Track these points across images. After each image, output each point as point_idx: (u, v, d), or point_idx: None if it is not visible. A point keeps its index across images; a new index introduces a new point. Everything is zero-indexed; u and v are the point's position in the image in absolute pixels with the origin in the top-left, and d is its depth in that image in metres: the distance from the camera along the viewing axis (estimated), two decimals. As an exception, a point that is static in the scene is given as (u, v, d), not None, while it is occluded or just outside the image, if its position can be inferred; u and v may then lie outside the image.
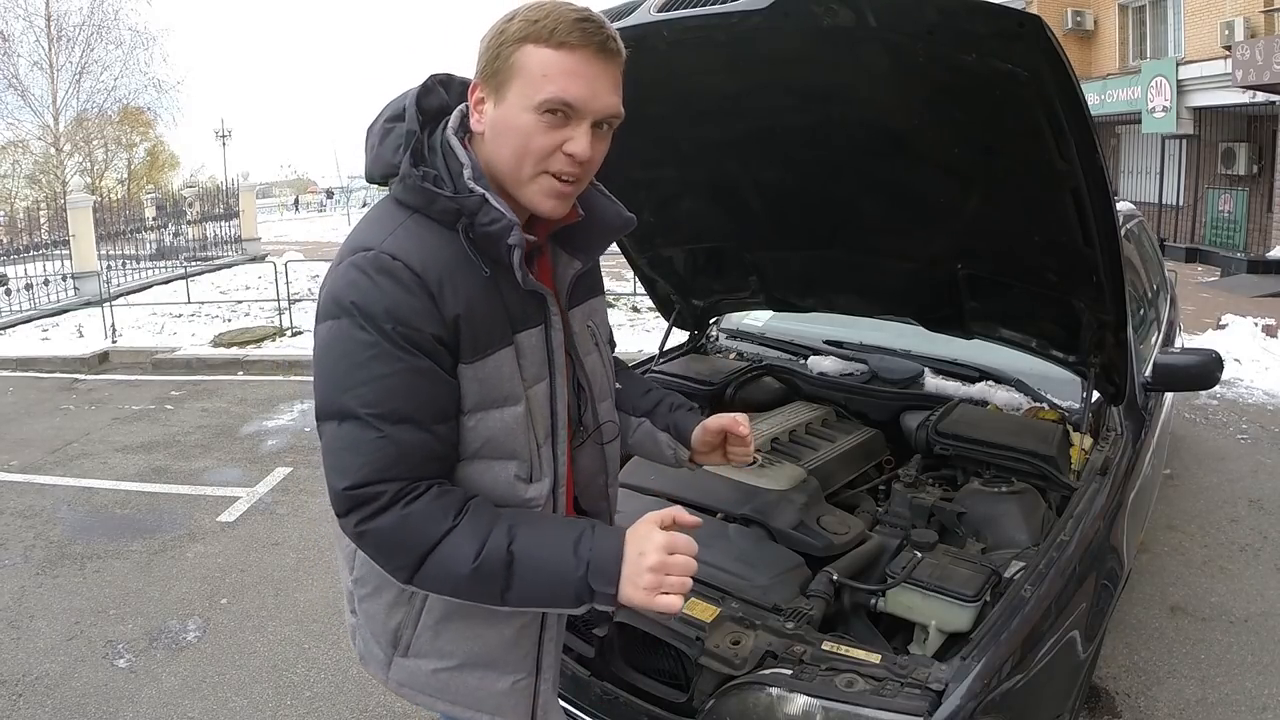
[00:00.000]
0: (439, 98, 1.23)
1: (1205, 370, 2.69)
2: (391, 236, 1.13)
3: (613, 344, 1.49)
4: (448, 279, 1.12)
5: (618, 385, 1.53)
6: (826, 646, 1.64)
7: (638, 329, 8.50)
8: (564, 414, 1.28)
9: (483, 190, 1.13)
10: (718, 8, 1.74)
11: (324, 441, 1.15)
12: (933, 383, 2.77)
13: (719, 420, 1.53)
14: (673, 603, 1.10)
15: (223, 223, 16.07)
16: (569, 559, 1.11)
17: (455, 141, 1.17)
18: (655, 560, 1.09)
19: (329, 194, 40.93)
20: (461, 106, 1.21)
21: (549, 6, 1.10)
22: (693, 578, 1.87)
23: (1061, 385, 2.58)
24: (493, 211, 1.12)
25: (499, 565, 1.10)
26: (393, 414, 1.09)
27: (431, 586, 1.15)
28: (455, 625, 1.27)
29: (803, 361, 3.04)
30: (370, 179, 1.24)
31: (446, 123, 1.20)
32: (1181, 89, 13.62)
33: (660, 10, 1.84)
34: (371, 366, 1.09)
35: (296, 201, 42.32)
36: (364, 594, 1.32)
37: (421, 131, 1.18)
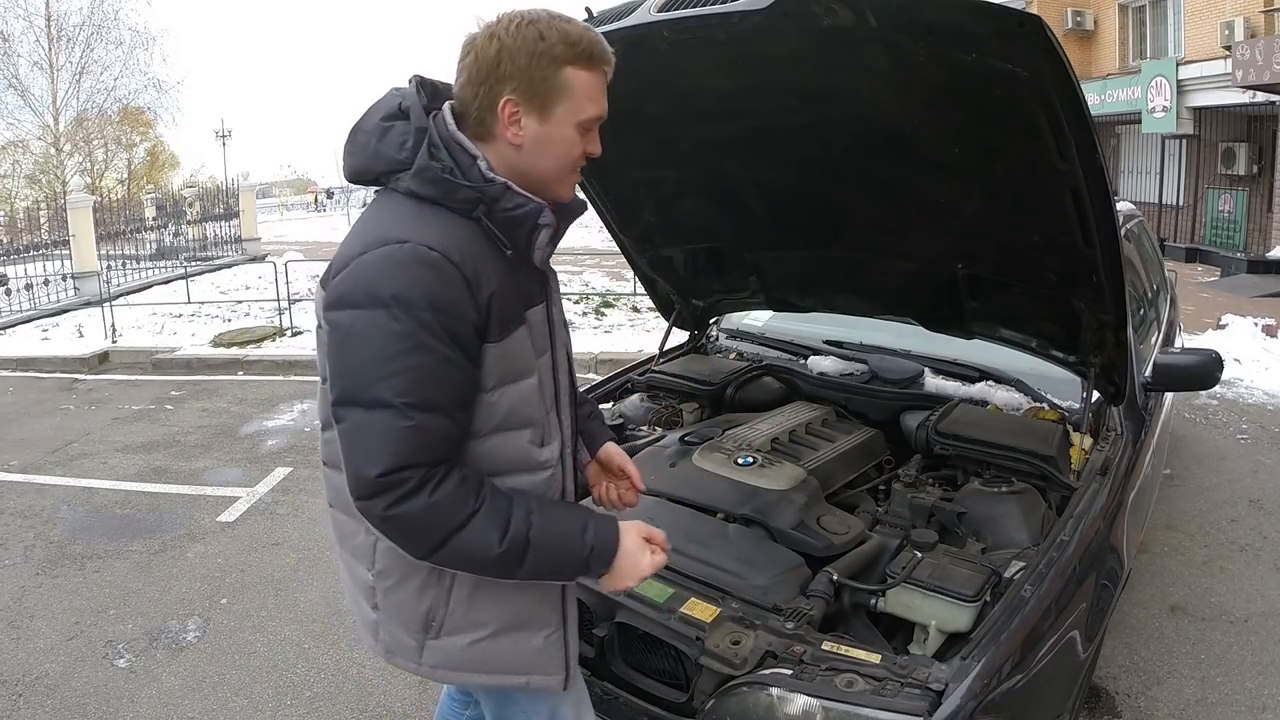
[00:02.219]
0: (423, 99, 1.29)
1: (1205, 370, 2.69)
2: (425, 229, 1.19)
3: None
4: (480, 267, 1.20)
5: None
6: (826, 646, 1.64)
7: (638, 329, 8.48)
8: (565, 381, 1.41)
9: (504, 180, 1.22)
10: (718, 8, 1.74)
11: (348, 428, 1.19)
12: (933, 383, 2.78)
13: (620, 462, 1.67)
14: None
15: (223, 223, 16.05)
16: (579, 543, 1.27)
17: (464, 138, 1.23)
18: (636, 577, 1.33)
19: (329, 194, 40.98)
20: (452, 105, 1.27)
21: (579, 28, 1.21)
22: (693, 577, 1.88)
23: (1061, 385, 2.58)
24: (517, 198, 1.23)
25: (519, 548, 1.21)
26: (424, 402, 1.15)
27: (447, 562, 1.23)
28: (486, 594, 1.33)
29: (803, 361, 3.04)
30: (363, 178, 1.29)
31: (442, 119, 1.24)
32: (1181, 89, 13.62)
33: (660, 10, 1.84)
34: (406, 357, 1.15)
35: (316, 199, 41.84)
36: (389, 585, 1.34)
37: None
